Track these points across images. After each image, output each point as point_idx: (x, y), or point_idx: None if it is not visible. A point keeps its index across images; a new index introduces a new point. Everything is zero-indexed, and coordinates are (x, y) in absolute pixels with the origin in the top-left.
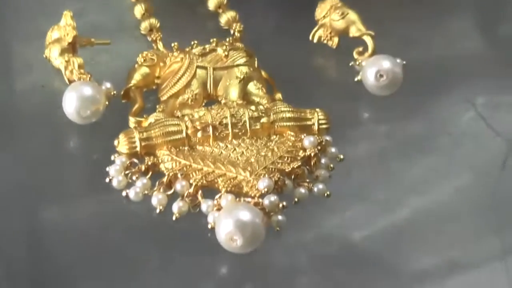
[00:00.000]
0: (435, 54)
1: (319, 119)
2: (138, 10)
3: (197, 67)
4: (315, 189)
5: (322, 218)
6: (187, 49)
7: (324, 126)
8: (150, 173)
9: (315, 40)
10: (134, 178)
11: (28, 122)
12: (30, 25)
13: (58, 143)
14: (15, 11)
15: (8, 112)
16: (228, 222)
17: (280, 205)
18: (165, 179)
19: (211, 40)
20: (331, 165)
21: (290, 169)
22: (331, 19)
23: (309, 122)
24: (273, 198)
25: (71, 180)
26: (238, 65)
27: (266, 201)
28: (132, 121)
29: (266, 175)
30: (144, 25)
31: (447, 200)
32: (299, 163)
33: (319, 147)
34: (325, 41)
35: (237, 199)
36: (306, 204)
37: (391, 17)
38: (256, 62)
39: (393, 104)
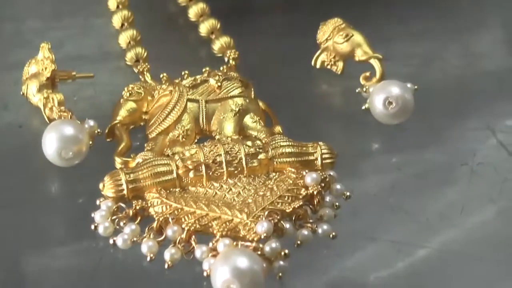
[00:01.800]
0: (452, 74)
1: (322, 153)
2: (123, 39)
3: (188, 100)
4: (320, 230)
5: (329, 261)
6: (177, 81)
7: (328, 160)
8: (139, 218)
9: (317, 66)
10: (121, 224)
11: (4, 163)
12: (4, 56)
13: (38, 187)
14: None
15: None
16: (224, 270)
17: (282, 253)
18: (155, 225)
19: (203, 70)
20: (337, 203)
21: (291, 209)
22: (335, 42)
23: (311, 157)
24: (274, 244)
25: (53, 227)
26: (232, 97)
27: (267, 248)
28: (118, 161)
29: (265, 218)
30: (130, 55)
31: (467, 237)
32: (301, 203)
33: (322, 184)
34: (328, 66)
35: (234, 243)
36: (312, 247)
37: (400, 34)
38: (252, 93)
39: (405, 132)
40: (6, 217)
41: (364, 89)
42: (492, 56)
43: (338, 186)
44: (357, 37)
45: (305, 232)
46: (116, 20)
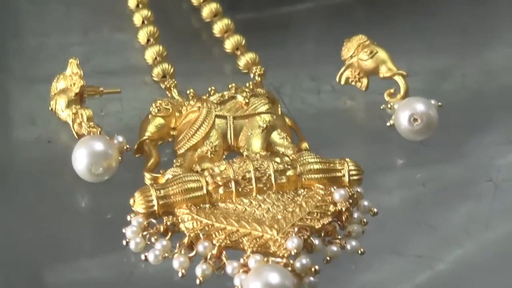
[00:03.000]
0: (473, 89)
1: (349, 170)
2: (149, 55)
3: (216, 116)
4: (348, 246)
5: (356, 276)
6: (204, 97)
7: (355, 177)
8: (170, 233)
9: (342, 82)
10: (152, 239)
11: (33, 178)
12: (32, 71)
13: (68, 201)
14: (15, 55)
15: (11, 167)
16: (256, 285)
17: (312, 269)
18: (186, 240)
19: (230, 86)
20: (365, 220)
21: (320, 225)
22: (359, 58)
23: (339, 174)
24: (304, 260)
25: (83, 241)
26: (260, 113)
27: (297, 264)
28: (148, 177)
29: (295, 234)
30: (157, 71)
31: (490, 252)
32: (330, 219)
33: (350, 201)
34: (353, 83)
35: (265, 259)
36: (339, 262)
37: (421, 49)
38: (279, 109)
39: (428, 147)
40: (36, 230)
41: (389, 106)
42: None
43: (366, 203)
44: (382, 54)
45: (334, 248)
46: (142, 36)
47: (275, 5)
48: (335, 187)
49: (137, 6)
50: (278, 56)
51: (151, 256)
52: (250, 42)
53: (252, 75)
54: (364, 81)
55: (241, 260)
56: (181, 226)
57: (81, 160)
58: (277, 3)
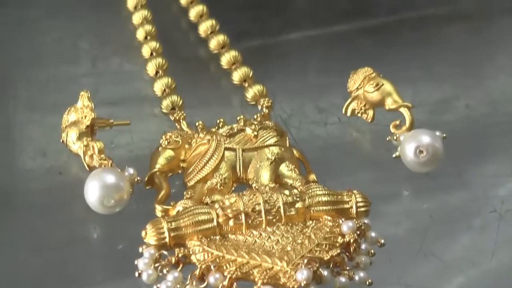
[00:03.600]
0: (476, 120)
1: (357, 202)
2: (158, 87)
3: (225, 149)
4: (356, 278)
5: None
6: (214, 129)
7: (362, 209)
8: (181, 265)
9: (348, 114)
10: (164, 271)
11: (45, 209)
12: (42, 102)
13: (79, 232)
14: (25, 86)
15: (22, 198)
16: None
17: None
18: (197, 272)
19: (238, 118)
20: (372, 251)
21: (329, 257)
22: (365, 91)
23: (346, 205)
24: None
25: (95, 272)
26: (268, 146)
27: None
28: (158, 209)
29: (304, 265)
30: (166, 103)
31: (495, 281)
32: (338, 250)
33: (358, 232)
34: (359, 115)
35: None
36: None
37: (423, 78)
38: (287, 141)
39: (433, 178)
40: (48, 260)
41: (395, 137)
42: None
43: (373, 234)
44: (387, 86)
45: (342, 279)
46: (151, 68)
47: (280, 33)
48: (343, 219)
49: (146, 38)
50: (285, 86)
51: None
52: (257, 71)
53: (260, 107)
54: (370, 112)
55: None
56: (192, 257)
57: (93, 192)
58: (282, 31)
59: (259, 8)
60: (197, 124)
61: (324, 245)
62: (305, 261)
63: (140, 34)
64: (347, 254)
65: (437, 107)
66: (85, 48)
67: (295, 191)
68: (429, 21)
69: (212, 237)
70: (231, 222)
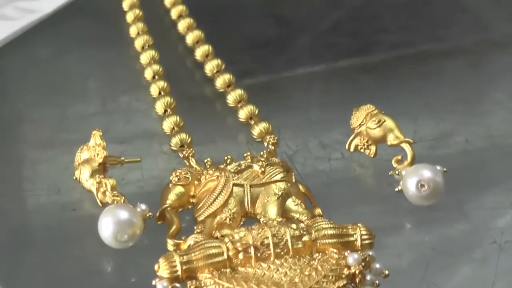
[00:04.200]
0: (475, 152)
1: (361, 235)
2: (167, 125)
3: (234, 185)
4: None
5: None
6: (222, 166)
7: (367, 241)
8: None
9: (351, 150)
10: None
11: (61, 245)
12: (53, 141)
13: (93, 266)
14: (39, 125)
15: (37, 234)
16: None
17: None
18: None
19: (245, 155)
20: (377, 281)
21: None
22: (368, 127)
23: (351, 238)
24: None
25: None
26: (275, 181)
27: None
28: (170, 243)
29: None
30: (175, 141)
31: None
32: (345, 282)
33: (363, 264)
34: (362, 150)
35: None
36: None
37: (425, 114)
38: (293, 177)
39: (434, 211)
40: None
41: (397, 172)
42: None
43: (378, 265)
44: (389, 123)
45: None
46: (159, 107)
47: (283, 70)
48: (348, 251)
49: (154, 77)
50: (289, 122)
51: None
52: (261, 108)
53: (266, 144)
54: (373, 148)
55: None
56: None
57: (106, 228)
58: (285, 68)
59: (262, 47)
60: (205, 161)
61: (330, 276)
62: None
63: (148, 74)
64: (352, 285)
65: (437, 142)
66: (95, 87)
67: (302, 225)
68: (428, 57)
69: (222, 269)
70: (240, 255)
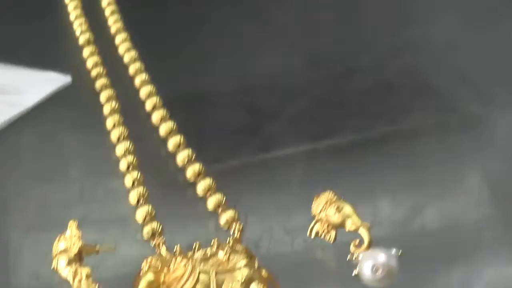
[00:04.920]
0: (434, 232)
1: None
2: (140, 215)
3: (200, 272)
4: None
5: None
6: (189, 253)
7: None
8: None
9: (312, 236)
10: None
11: None
12: (34, 227)
13: None
14: (19, 212)
15: None
16: None
17: None
18: None
19: (212, 243)
20: None
21: None
22: (327, 214)
23: None
24: None
25: None
26: (239, 268)
27: None
28: None
29: None
30: (147, 230)
31: None
32: None
33: None
34: (322, 236)
35: None
36: None
37: (385, 196)
38: (256, 263)
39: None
40: None
41: (354, 257)
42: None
43: None
44: (347, 209)
45: None
46: (133, 197)
47: (252, 155)
48: None
49: (128, 168)
50: (257, 207)
51: None
52: (232, 192)
53: (232, 231)
54: (333, 234)
55: None
56: None
57: None
58: (254, 154)
59: (233, 133)
60: (174, 249)
61: None
62: None
63: (122, 165)
64: None
65: (396, 225)
66: (74, 175)
67: None
68: (389, 140)
69: None
70: None
